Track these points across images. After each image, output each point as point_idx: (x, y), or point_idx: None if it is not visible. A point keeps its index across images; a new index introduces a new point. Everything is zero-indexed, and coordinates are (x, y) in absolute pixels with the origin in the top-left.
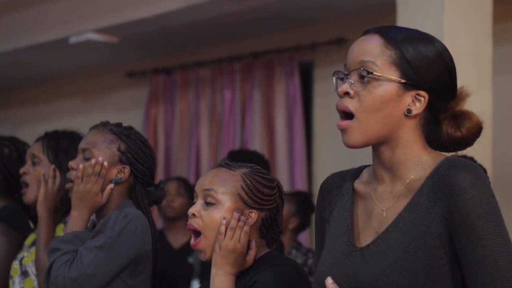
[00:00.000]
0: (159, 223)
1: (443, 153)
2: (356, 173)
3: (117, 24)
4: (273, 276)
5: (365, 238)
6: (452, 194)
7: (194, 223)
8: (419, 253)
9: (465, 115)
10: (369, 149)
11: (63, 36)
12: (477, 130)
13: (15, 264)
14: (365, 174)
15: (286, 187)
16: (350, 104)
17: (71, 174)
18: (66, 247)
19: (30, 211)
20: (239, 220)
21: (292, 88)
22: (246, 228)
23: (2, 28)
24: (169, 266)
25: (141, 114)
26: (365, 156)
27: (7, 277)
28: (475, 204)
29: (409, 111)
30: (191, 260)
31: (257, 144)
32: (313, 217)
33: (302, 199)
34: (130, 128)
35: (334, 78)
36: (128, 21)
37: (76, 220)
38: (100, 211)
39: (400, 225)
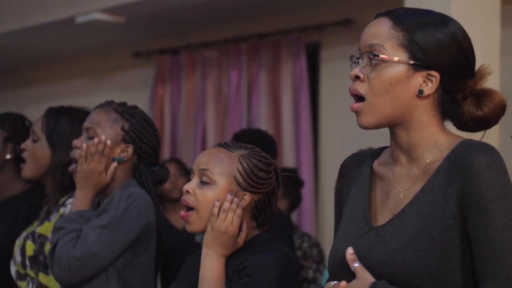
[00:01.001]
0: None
1: (459, 135)
2: (375, 153)
3: (124, 4)
4: (262, 262)
5: (382, 218)
6: (467, 175)
7: (188, 199)
8: (434, 234)
9: (487, 94)
10: (375, 131)
11: (70, 16)
12: (500, 109)
13: (16, 243)
14: (384, 155)
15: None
16: (360, 88)
17: (75, 153)
18: (71, 226)
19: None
20: (232, 202)
21: (298, 69)
22: (238, 211)
23: (9, 8)
24: (175, 246)
25: (147, 94)
26: (370, 137)
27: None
28: (489, 186)
29: (420, 91)
30: (198, 239)
31: (263, 125)
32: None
33: (287, 178)
34: (135, 107)
35: (350, 63)
36: (135, 1)
37: (81, 199)
38: (104, 190)
39: (415, 206)
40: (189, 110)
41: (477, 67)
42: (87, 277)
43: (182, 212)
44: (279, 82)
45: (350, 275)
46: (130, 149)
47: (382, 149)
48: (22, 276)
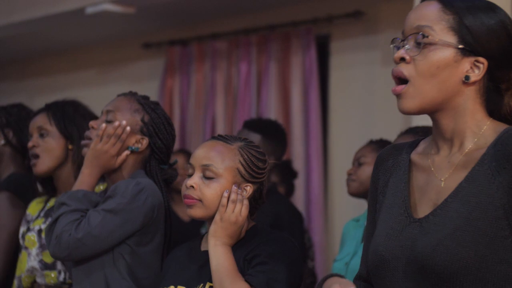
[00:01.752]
0: None
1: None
2: (412, 145)
3: None
4: (275, 249)
5: (422, 209)
6: None
7: (194, 194)
8: (480, 224)
9: None
10: (386, 124)
11: (80, 6)
12: None
13: (32, 236)
14: (421, 146)
15: (301, 160)
16: (405, 70)
17: (91, 133)
18: (75, 204)
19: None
20: (238, 193)
21: (308, 61)
22: (246, 201)
23: None
24: (180, 239)
25: (156, 85)
26: (379, 129)
27: (10, 246)
28: None
29: (467, 77)
30: (203, 231)
31: (272, 117)
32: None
33: (283, 167)
34: (157, 103)
35: (391, 46)
36: None
37: (86, 177)
38: (111, 176)
39: (459, 195)
40: (199, 101)
41: None
42: (84, 257)
43: (187, 201)
44: (288, 73)
45: (391, 271)
46: (145, 142)
47: (419, 140)
48: (50, 265)
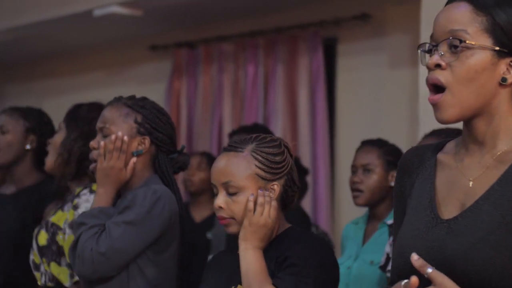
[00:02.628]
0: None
1: None
2: (439, 145)
3: None
4: (306, 251)
5: (448, 210)
6: None
7: (225, 214)
8: None
9: None
10: (391, 128)
11: (87, 9)
12: None
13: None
14: (449, 147)
15: (308, 162)
16: (441, 76)
17: (93, 154)
18: (92, 221)
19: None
20: (265, 195)
21: (315, 63)
22: (274, 202)
23: (27, 1)
24: (192, 239)
25: (163, 87)
26: (385, 132)
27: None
28: None
29: (503, 79)
30: (209, 235)
31: (279, 119)
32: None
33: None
34: (144, 98)
35: (419, 52)
36: None
37: (102, 196)
38: (124, 185)
39: (492, 198)
40: (206, 103)
41: None
42: (109, 273)
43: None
44: (295, 76)
45: (418, 274)
46: (147, 141)
47: (445, 142)
48: (38, 266)
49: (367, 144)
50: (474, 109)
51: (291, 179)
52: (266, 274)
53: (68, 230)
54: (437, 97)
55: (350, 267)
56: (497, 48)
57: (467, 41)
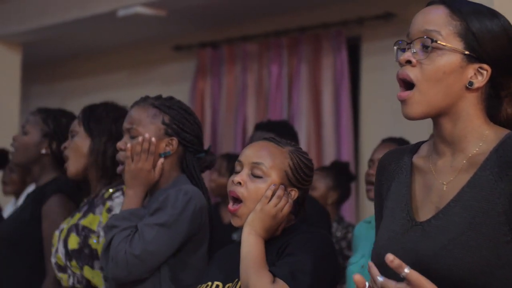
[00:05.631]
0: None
1: (504, 128)
2: (414, 148)
3: None
4: (305, 242)
5: (424, 213)
6: None
7: (238, 191)
8: (484, 229)
9: None
10: (417, 126)
11: (111, 9)
12: None
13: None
14: (423, 149)
15: None
16: (411, 73)
17: (120, 155)
18: (124, 224)
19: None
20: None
21: (339, 63)
22: (290, 201)
23: (51, 2)
24: (221, 240)
25: (187, 88)
26: (411, 131)
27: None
28: None
29: (470, 83)
30: (235, 237)
31: (303, 119)
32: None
33: (338, 171)
34: (171, 98)
35: (395, 48)
36: None
37: (131, 198)
38: (153, 186)
39: (462, 200)
40: (230, 103)
41: None
42: (143, 275)
43: (230, 206)
44: (319, 75)
45: (393, 275)
46: (175, 142)
47: (420, 143)
48: (63, 268)
49: (387, 141)
50: (440, 108)
51: (304, 196)
52: (264, 261)
53: (102, 233)
54: (405, 94)
55: (363, 266)
56: (467, 52)
57: (438, 41)
